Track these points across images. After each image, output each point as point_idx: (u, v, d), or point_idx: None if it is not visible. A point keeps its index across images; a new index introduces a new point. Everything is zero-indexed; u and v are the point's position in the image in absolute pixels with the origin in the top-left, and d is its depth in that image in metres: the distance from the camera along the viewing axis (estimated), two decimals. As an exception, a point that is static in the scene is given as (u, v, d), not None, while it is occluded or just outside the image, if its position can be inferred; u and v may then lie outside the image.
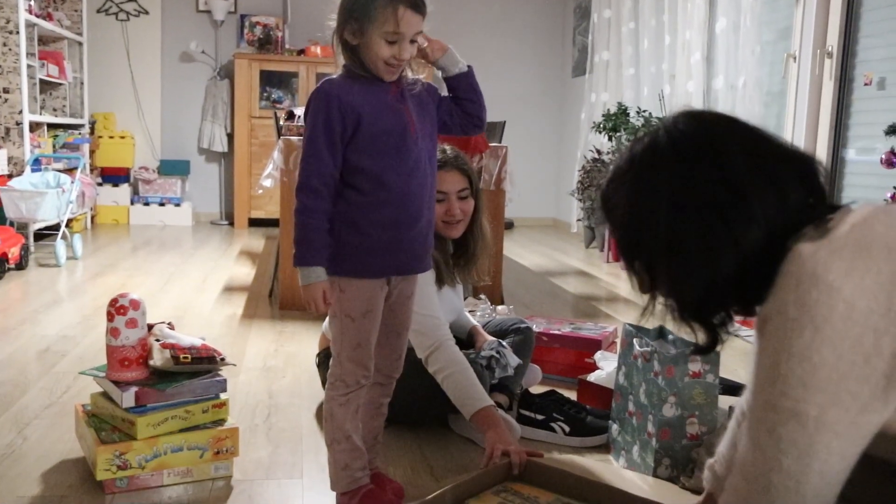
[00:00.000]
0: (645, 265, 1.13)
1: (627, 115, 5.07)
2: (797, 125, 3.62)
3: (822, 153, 3.53)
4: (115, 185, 6.39)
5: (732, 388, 2.36)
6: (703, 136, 1.09)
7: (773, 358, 0.97)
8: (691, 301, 1.10)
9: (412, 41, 1.43)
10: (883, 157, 2.69)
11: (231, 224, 6.57)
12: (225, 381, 1.80)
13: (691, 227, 1.06)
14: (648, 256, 1.11)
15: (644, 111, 4.97)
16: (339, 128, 1.42)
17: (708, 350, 1.15)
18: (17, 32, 4.79)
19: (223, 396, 1.80)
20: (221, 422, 1.78)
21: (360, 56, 1.44)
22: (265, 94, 6.52)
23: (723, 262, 1.05)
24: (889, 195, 2.50)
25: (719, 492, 1.35)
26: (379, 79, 1.45)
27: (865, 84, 3.31)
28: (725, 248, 1.05)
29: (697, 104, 4.49)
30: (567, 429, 2.02)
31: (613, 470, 1.86)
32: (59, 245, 4.38)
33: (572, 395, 2.23)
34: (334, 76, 1.48)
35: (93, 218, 6.22)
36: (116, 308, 1.70)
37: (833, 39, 3.46)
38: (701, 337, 1.13)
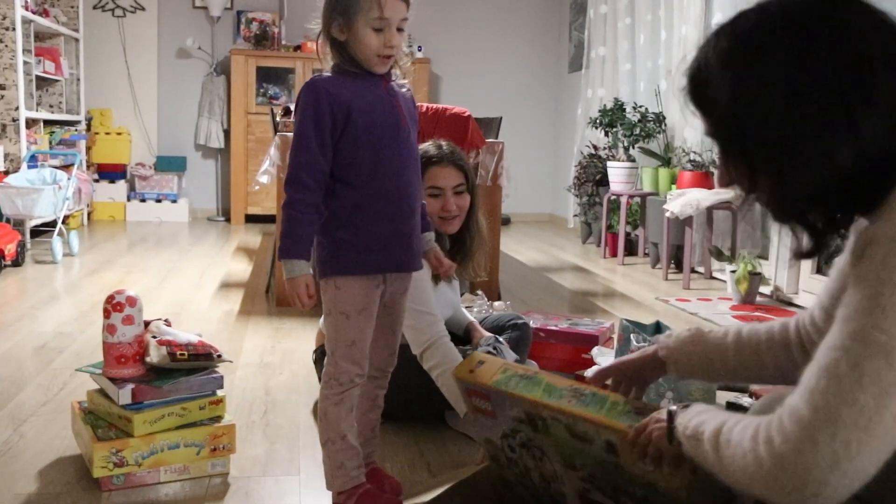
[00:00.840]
0: (746, 159, 0.99)
1: (624, 110, 5.07)
2: (794, 120, 3.63)
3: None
4: (112, 181, 6.37)
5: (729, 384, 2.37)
6: (824, 7, 0.94)
7: (874, 287, 0.88)
8: (795, 201, 0.98)
9: (400, 29, 1.43)
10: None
11: (228, 220, 6.56)
12: (222, 377, 1.80)
13: (808, 115, 0.92)
14: (752, 149, 0.97)
15: (640, 106, 4.97)
16: (329, 122, 1.42)
17: (811, 254, 1.04)
18: (14, 29, 4.78)
19: (220, 393, 1.80)
20: (218, 418, 1.78)
21: (349, 51, 1.44)
22: (262, 91, 6.51)
23: (839, 158, 0.92)
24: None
25: (678, 356, 1.29)
26: (370, 74, 1.45)
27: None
28: (844, 142, 0.92)
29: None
30: (564, 424, 2.02)
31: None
32: (56, 242, 4.37)
33: (569, 391, 2.23)
34: (324, 74, 1.48)
35: (89, 214, 6.21)
36: (113, 305, 1.70)
37: (829, 34, 3.46)
38: (805, 241, 1.02)
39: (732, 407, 2.18)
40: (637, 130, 4.94)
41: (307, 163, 1.42)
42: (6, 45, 4.78)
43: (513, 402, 1.29)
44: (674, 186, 4.39)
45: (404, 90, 1.53)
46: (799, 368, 1.06)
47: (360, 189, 1.45)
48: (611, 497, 1.27)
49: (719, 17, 4.17)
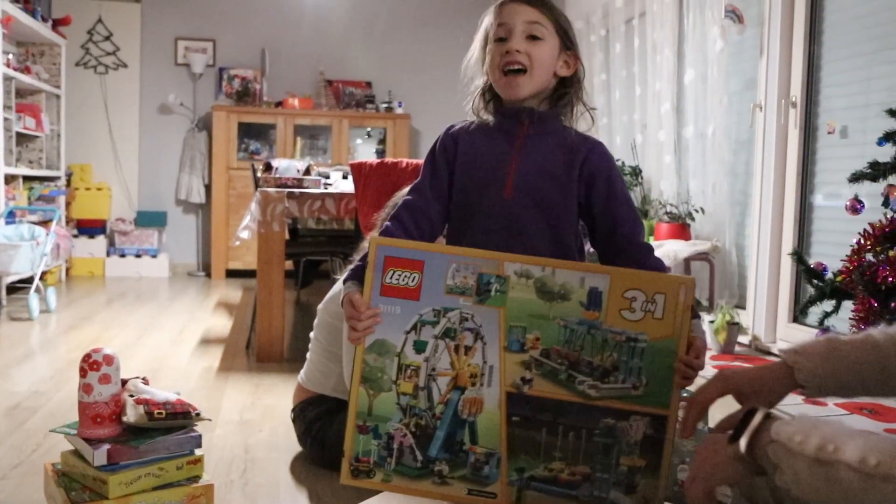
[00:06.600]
0: None
1: (601, 163, 5.14)
2: (765, 172, 3.71)
3: (790, 199, 3.60)
4: (92, 236, 6.35)
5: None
6: None
7: None
8: None
9: (533, 37, 1.41)
10: (847, 203, 2.76)
11: (208, 275, 6.54)
12: (200, 436, 1.77)
13: None
14: None
15: (617, 160, 5.06)
16: None
17: None
18: (-6, 86, 4.81)
19: (198, 452, 1.77)
20: (196, 478, 1.76)
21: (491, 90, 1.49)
22: (243, 146, 6.56)
23: None
24: (855, 241, 2.54)
25: (812, 379, 1.10)
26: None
27: (829, 132, 3.40)
28: None
29: (669, 153, 4.58)
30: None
31: None
32: (33, 298, 4.33)
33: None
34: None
35: (67, 270, 6.17)
36: (89, 363, 1.68)
37: (796, 90, 3.56)
38: None
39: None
40: (614, 183, 5.01)
41: None
42: (-13, 103, 4.80)
43: (462, 264, 1.16)
44: (651, 238, 4.44)
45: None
46: None
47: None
48: (564, 378, 1.15)
49: (692, 73, 4.29)
